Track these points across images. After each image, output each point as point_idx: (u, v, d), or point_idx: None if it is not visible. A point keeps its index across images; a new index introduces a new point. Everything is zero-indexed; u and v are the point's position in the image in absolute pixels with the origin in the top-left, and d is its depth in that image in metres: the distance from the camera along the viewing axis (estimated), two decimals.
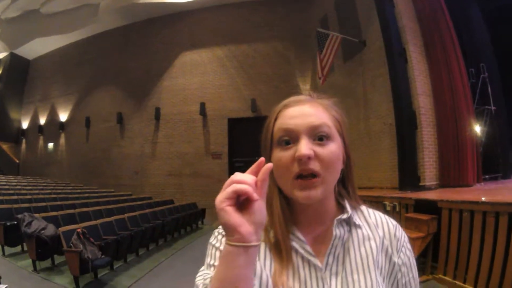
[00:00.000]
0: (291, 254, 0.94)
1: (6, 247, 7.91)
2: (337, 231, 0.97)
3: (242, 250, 0.75)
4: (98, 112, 17.31)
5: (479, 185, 7.94)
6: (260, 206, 0.78)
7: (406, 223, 5.76)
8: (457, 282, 4.81)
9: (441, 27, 8.68)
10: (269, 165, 0.78)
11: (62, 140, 18.48)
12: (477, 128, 8.82)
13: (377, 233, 1.02)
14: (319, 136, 0.93)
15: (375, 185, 9.88)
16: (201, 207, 14.39)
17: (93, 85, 17.71)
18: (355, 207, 1.04)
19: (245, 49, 16.00)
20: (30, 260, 6.97)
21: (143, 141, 16.26)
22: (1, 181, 14.23)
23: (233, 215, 0.75)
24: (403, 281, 1.01)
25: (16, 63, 19.89)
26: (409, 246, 1.05)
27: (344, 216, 0.98)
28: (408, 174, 8.28)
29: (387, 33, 9.09)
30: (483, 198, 4.90)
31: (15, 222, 7.41)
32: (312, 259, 0.94)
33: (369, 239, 1.00)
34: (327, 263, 0.95)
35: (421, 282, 0.93)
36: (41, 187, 14.05)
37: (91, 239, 6.56)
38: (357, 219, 1.01)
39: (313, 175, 0.90)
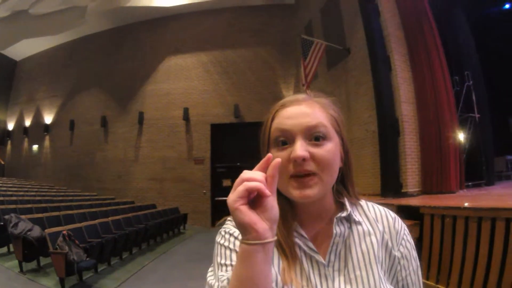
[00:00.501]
0: (295, 251, 0.95)
1: None
2: (337, 229, 0.98)
3: (260, 248, 0.76)
4: (82, 115, 17.12)
5: (462, 192, 7.93)
6: (272, 202, 0.79)
7: None
8: (440, 287, 4.78)
9: (426, 35, 8.70)
10: (278, 160, 0.79)
11: (47, 142, 18.24)
12: (461, 136, 8.85)
13: (377, 228, 1.02)
14: (315, 136, 0.93)
15: (358, 192, 9.99)
16: (183, 212, 14.26)
17: (78, 87, 17.53)
18: (354, 203, 1.05)
19: (229, 55, 15.96)
20: (16, 261, 6.95)
21: (126, 145, 16.14)
22: None
23: (247, 214, 0.76)
24: (403, 275, 1.01)
25: (3, 64, 19.56)
26: (409, 238, 1.05)
27: (344, 213, 0.99)
28: (390, 181, 8.29)
29: (371, 41, 9.13)
30: (465, 204, 4.90)
31: (2, 223, 7.39)
32: (316, 255, 0.95)
33: (369, 234, 1.01)
34: (329, 260, 0.96)
35: None
36: (26, 189, 13.98)
37: (76, 242, 6.59)
38: (357, 216, 1.02)
39: (309, 174, 0.91)
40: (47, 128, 18.29)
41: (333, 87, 11.71)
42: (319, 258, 0.95)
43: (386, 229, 1.03)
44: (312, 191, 0.91)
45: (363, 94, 9.95)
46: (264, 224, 0.77)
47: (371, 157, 9.17)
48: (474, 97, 9.57)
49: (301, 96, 1.01)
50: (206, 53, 16.13)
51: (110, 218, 9.65)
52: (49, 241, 6.45)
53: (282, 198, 0.95)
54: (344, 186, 1.04)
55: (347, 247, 0.98)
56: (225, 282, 0.88)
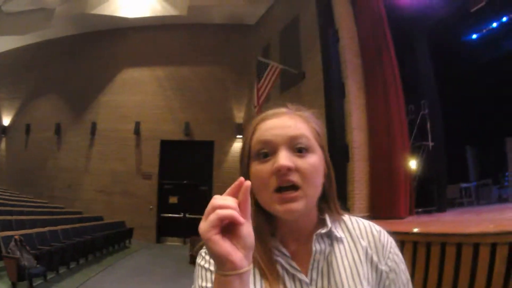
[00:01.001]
0: (276, 269, 0.92)
1: None
2: (317, 246, 0.96)
3: (236, 278, 0.72)
4: (38, 120, 16.73)
5: (411, 218, 8.06)
6: (247, 229, 0.74)
7: None
8: None
9: (384, 63, 8.82)
10: (248, 183, 0.74)
11: (3, 144, 17.76)
12: (413, 163, 9.11)
13: (359, 244, 1.00)
14: (298, 147, 0.91)
15: (340, 207, 10.15)
16: (129, 226, 14.12)
17: (37, 91, 17.14)
18: (337, 220, 1.02)
19: (184, 72, 15.89)
20: None
21: (78, 155, 15.87)
22: None
23: (221, 244, 0.72)
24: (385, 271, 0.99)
25: None
26: (397, 251, 1.02)
27: (324, 230, 0.97)
28: None
29: (327, 66, 9.26)
30: (415, 229, 4.96)
31: None
32: (298, 274, 0.93)
33: (351, 251, 0.99)
34: (311, 278, 0.94)
35: None
36: None
37: (28, 248, 6.76)
38: (338, 232, 1.00)
39: (294, 187, 0.88)
40: (4, 130, 17.77)
41: None
42: (302, 276, 0.93)
43: (371, 244, 1.01)
44: (297, 206, 0.89)
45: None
46: (239, 253, 0.73)
47: None
48: (428, 126, 9.77)
49: (282, 109, 1.01)
50: (162, 68, 16.07)
51: (59, 227, 9.67)
52: (2, 244, 6.61)
53: (260, 214, 0.93)
54: (326, 202, 1.01)
55: (329, 264, 0.96)
56: None
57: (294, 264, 0.93)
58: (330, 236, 0.99)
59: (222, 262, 0.72)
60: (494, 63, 12.83)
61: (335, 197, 1.02)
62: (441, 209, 9.49)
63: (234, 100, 15.66)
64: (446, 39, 12.21)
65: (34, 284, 6.76)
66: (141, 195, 15.14)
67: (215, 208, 0.71)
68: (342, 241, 1.00)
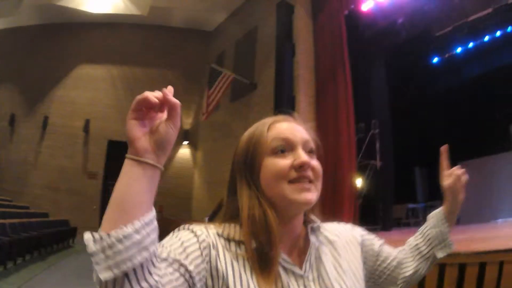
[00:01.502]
0: (277, 266, 0.96)
1: None
2: (312, 238, 1.08)
3: (135, 164, 0.78)
4: None
5: None
6: (166, 128, 0.81)
7: None
8: None
9: (337, 81, 9.01)
10: (170, 87, 0.85)
11: None
12: (358, 181, 9.30)
13: (338, 238, 1.16)
14: (309, 149, 1.04)
15: None
16: (73, 225, 13.96)
17: None
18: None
19: (137, 72, 15.74)
20: None
21: (28, 148, 15.52)
22: None
23: (134, 128, 0.79)
24: (376, 248, 1.25)
25: None
26: (362, 229, 1.28)
27: (316, 224, 1.10)
28: None
29: (280, 79, 9.35)
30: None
31: None
32: (293, 268, 0.99)
33: (335, 243, 1.13)
34: (305, 270, 1.01)
35: None
36: None
37: None
38: (323, 227, 1.15)
39: (307, 181, 0.99)
40: None
41: (233, 120, 11.88)
42: (299, 270, 1.00)
43: (349, 237, 1.20)
44: (312, 195, 1.00)
45: None
46: (146, 144, 0.79)
47: None
48: (377, 145, 9.83)
49: (288, 116, 1.13)
50: (117, 67, 15.88)
51: (7, 221, 9.45)
52: None
53: (275, 217, 0.98)
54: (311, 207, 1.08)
55: (318, 257, 1.06)
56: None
57: (288, 259, 1.00)
58: (315, 231, 1.10)
59: (129, 146, 0.79)
60: (453, 88, 13.16)
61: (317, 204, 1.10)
62: (386, 227, 9.60)
63: (183, 105, 14.79)
64: (406, 61, 12.41)
65: None
66: (86, 194, 14.92)
67: (137, 97, 0.79)
68: (326, 236, 1.14)
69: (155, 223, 0.80)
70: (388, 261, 1.25)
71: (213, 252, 0.94)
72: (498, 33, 11.13)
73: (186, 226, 0.98)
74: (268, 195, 1.00)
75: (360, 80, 9.96)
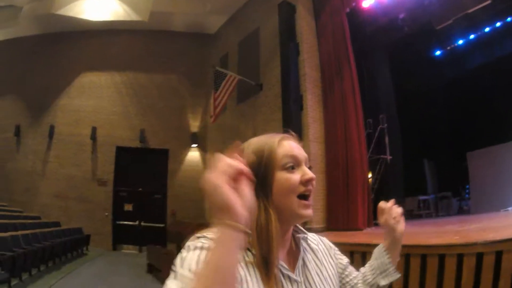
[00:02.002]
0: (276, 270, 1.04)
1: None
2: (302, 247, 1.21)
3: (234, 232, 0.77)
4: None
5: (370, 229, 8.27)
6: (249, 191, 0.83)
7: None
8: None
9: (344, 78, 9.10)
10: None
11: None
12: (370, 176, 9.46)
13: (318, 247, 1.29)
14: (308, 165, 1.16)
15: None
16: (86, 233, 13.95)
17: None
18: None
19: (141, 78, 15.84)
20: None
21: (35, 158, 15.57)
22: None
23: (229, 192, 0.78)
24: (339, 258, 1.37)
25: None
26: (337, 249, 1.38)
27: (303, 235, 1.24)
28: None
29: (286, 79, 9.45)
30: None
31: None
32: (290, 273, 1.11)
33: (317, 252, 1.27)
34: (296, 275, 1.13)
35: None
36: None
37: None
38: (308, 238, 1.26)
39: (309, 196, 1.11)
40: None
41: (240, 122, 11.98)
42: (294, 276, 1.11)
43: (327, 247, 1.34)
44: (312, 212, 1.12)
45: (271, 131, 10.02)
46: (243, 210, 0.79)
47: None
48: (386, 140, 10.11)
49: (290, 135, 1.22)
50: (120, 73, 15.94)
51: (20, 232, 9.54)
52: None
53: (278, 225, 1.07)
54: None
55: (303, 264, 1.18)
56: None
57: (285, 265, 1.11)
58: (304, 240, 1.24)
59: (224, 210, 0.78)
60: (456, 80, 13.37)
61: None
62: None
63: (190, 109, 15.70)
64: (408, 55, 12.52)
65: None
66: (96, 201, 14.94)
67: (226, 161, 0.82)
68: (310, 245, 1.27)
69: None
70: (351, 276, 1.38)
71: None
72: (498, 24, 11.27)
73: (199, 245, 0.96)
74: (277, 204, 1.08)
75: (364, 76, 10.15)
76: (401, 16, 9.77)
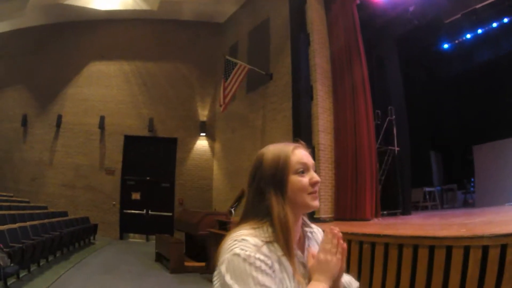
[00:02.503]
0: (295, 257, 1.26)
1: None
2: (308, 237, 1.44)
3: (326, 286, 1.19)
4: (4, 111, 16.40)
5: (377, 220, 8.37)
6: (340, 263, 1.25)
7: None
8: None
9: (353, 69, 9.15)
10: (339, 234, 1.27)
11: None
12: (378, 167, 9.42)
13: (319, 237, 1.50)
14: (314, 169, 1.38)
15: None
16: (93, 222, 13.98)
17: (3, 82, 16.74)
18: None
19: (150, 67, 15.89)
20: None
21: (43, 148, 15.63)
22: None
23: (339, 265, 1.24)
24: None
25: None
26: None
27: (312, 229, 1.49)
28: None
29: (297, 69, 9.60)
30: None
31: None
32: (304, 261, 1.33)
33: (318, 242, 1.45)
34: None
35: None
36: None
37: (1, 245, 6.61)
38: (313, 231, 1.50)
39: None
40: None
41: (250, 111, 12.08)
42: (305, 262, 1.33)
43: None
44: (318, 203, 1.36)
45: (281, 120, 10.42)
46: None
47: None
48: (395, 131, 10.18)
49: (300, 144, 1.42)
50: (129, 62, 15.97)
51: (28, 223, 9.46)
52: None
53: (293, 220, 1.31)
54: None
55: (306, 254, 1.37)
56: None
57: (300, 254, 1.34)
58: (311, 233, 1.49)
59: (330, 276, 1.23)
60: (465, 73, 13.31)
61: None
62: (406, 211, 9.94)
63: (199, 98, 15.76)
64: (417, 48, 12.62)
65: (8, 283, 6.68)
66: (104, 190, 15.02)
67: (340, 241, 1.26)
68: (314, 236, 1.50)
69: None
70: None
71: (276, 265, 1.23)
72: (506, 20, 11.41)
73: (252, 261, 1.15)
74: (292, 201, 1.30)
75: (374, 67, 10.18)
76: (411, 9, 9.86)
